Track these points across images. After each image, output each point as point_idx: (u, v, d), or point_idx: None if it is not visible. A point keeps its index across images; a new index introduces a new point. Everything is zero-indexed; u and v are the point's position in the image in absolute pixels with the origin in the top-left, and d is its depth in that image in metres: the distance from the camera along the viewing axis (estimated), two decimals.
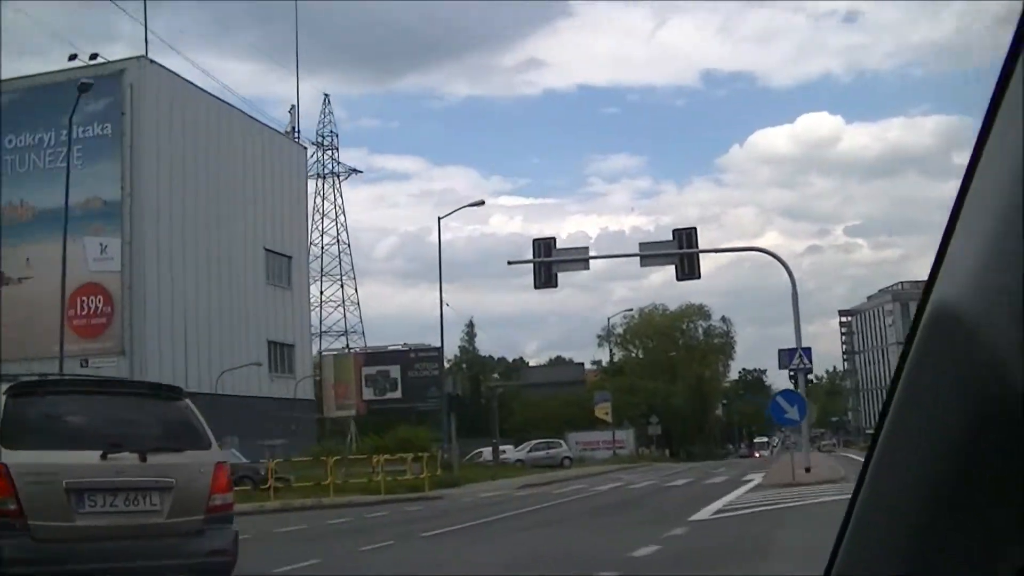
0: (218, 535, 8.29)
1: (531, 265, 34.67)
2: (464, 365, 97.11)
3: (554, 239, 34.82)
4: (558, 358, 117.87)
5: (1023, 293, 0.75)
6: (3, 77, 46.83)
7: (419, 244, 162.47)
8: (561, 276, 35.00)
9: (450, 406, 46.21)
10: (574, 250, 36.32)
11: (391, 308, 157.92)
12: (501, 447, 62.72)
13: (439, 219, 57.98)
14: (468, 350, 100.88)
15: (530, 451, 65.30)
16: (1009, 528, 1.19)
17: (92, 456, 7.69)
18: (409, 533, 18.73)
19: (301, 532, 19.98)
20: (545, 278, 34.28)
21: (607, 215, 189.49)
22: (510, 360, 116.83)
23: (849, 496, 1.52)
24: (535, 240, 34.82)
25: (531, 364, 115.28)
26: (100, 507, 7.67)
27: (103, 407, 8.46)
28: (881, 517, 1.45)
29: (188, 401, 8.86)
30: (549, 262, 34.17)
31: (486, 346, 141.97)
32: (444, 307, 47.17)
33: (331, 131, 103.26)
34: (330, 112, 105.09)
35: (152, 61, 49.01)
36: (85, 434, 8.08)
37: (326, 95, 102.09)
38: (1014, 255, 0.79)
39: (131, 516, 7.81)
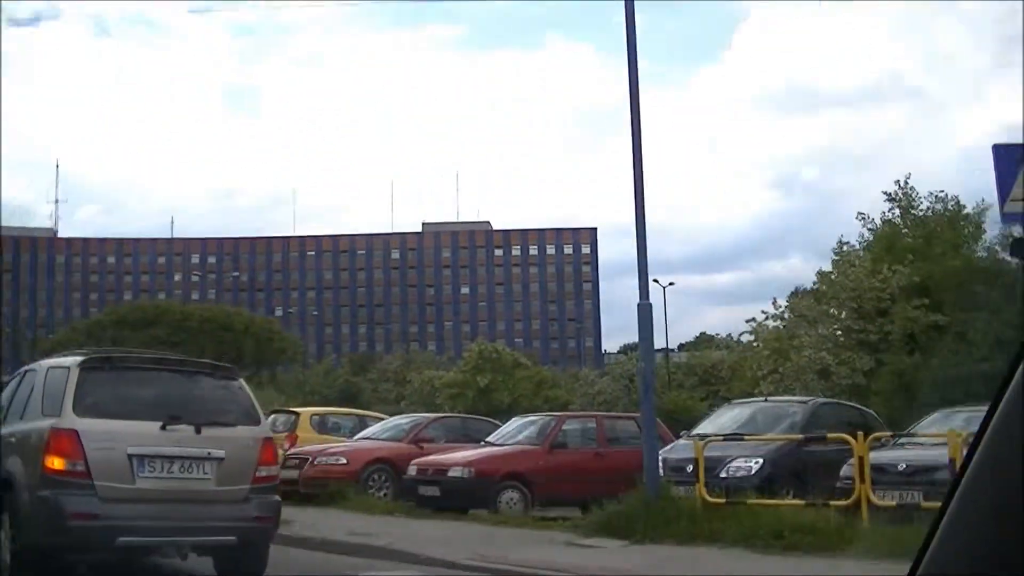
0: (262, 503, 9.41)
1: None
2: None
3: None
4: None
5: None
6: None
7: None
8: None
9: None
10: None
11: None
12: None
13: None
14: None
15: None
16: None
17: (153, 427, 8.90)
18: None
19: None
20: None
21: None
22: None
23: None
24: None
25: None
26: (158, 473, 8.85)
27: (165, 383, 9.62)
28: (979, 517, 1.50)
29: (242, 381, 10.14)
30: None
31: None
32: None
33: None
34: None
35: None
36: (147, 406, 9.12)
37: None
38: None
39: (185, 482, 8.97)
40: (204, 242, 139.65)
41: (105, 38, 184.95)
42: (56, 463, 8.62)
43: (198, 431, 9.12)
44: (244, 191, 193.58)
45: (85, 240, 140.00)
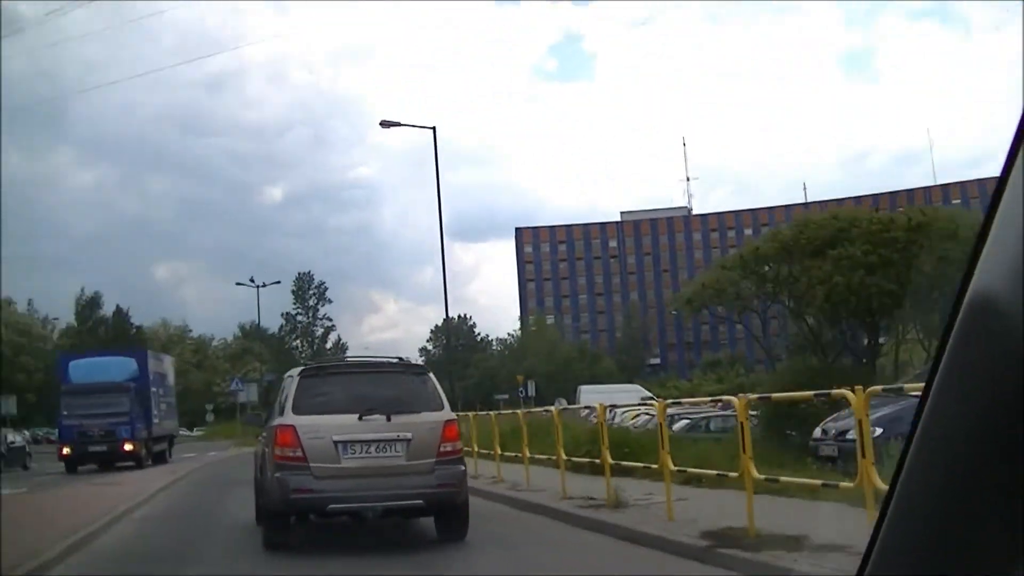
0: (445, 473, 11.50)
1: None
2: None
3: None
4: None
5: None
6: None
7: None
8: None
9: None
10: None
11: None
12: None
13: None
14: None
15: None
16: None
17: (351, 419, 11.32)
18: None
19: None
20: None
21: None
22: None
23: None
24: None
25: None
26: (358, 454, 11.28)
27: (363, 383, 12.11)
28: (917, 516, 1.48)
29: (431, 375, 12.47)
30: None
31: None
32: None
33: None
34: None
35: None
36: (349, 402, 11.50)
37: None
38: None
39: (380, 459, 11.32)
40: (840, 202, 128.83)
41: (714, 24, 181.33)
42: (281, 451, 11.31)
43: (388, 419, 11.40)
44: (875, 152, 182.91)
45: (719, 215, 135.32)
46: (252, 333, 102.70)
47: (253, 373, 75.72)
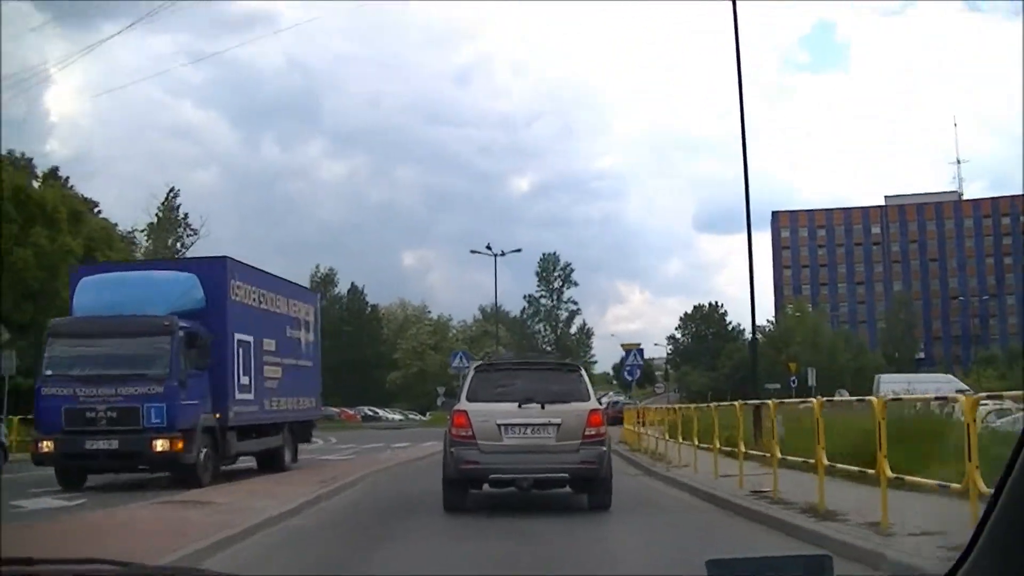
0: (588, 452, 13.84)
1: None
2: None
3: None
4: None
5: None
6: None
7: None
8: None
9: None
10: None
11: None
12: None
13: None
14: None
15: None
16: None
17: (512, 407, 13.90)
18: None
19: None
20: None
21: None
22: None
23: None
24: None
25: None
26: (517, 435, 13.85)
27: (524, 377, 14.61)
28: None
29: (582, 372, 15.08)
30: None
31: None
32: None
33: None
34: None
35: None
36: (511, 393, 14.09)
37: None
38: None
39: (534, 439, 13.82)
40: None
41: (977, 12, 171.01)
42: (456, 431, 14.06)
43: (543, 407, 13.88)
44: None
45: (993, 200, 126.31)
46: (492, 315, 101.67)
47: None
